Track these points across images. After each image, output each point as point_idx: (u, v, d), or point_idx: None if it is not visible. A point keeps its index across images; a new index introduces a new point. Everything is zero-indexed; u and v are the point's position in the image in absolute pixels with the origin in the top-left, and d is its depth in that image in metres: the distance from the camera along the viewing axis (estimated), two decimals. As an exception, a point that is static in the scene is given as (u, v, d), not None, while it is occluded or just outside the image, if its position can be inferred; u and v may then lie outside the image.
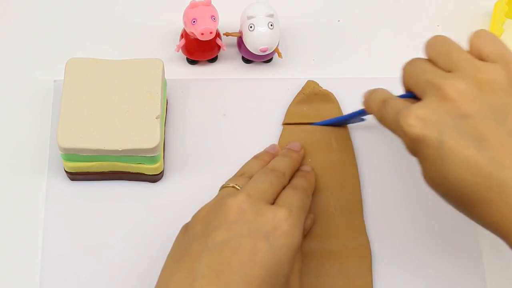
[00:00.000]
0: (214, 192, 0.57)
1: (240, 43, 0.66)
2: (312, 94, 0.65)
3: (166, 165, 0.63)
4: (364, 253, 0.60)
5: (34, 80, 0.66)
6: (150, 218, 0.61)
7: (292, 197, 0.55)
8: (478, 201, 0.48)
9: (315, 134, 0.64)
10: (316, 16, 0.71)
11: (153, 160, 0.60)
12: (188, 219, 0.55)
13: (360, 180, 0.63)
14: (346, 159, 0.63)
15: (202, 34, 0.63)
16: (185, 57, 0.67)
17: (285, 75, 0.68)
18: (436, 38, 0.54)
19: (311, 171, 0.61)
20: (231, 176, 0.59)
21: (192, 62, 0.68)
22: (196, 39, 0.64)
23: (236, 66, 0.68)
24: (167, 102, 0.65)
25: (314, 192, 0.61)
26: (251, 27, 0.64)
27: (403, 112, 0.50)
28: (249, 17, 0.64)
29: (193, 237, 0.52)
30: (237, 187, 0.56)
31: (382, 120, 0.54)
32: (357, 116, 0.62)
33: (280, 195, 0.55)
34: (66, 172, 0.61)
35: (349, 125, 0.65)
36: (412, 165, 0.64)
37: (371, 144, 0.64)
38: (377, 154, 0.64)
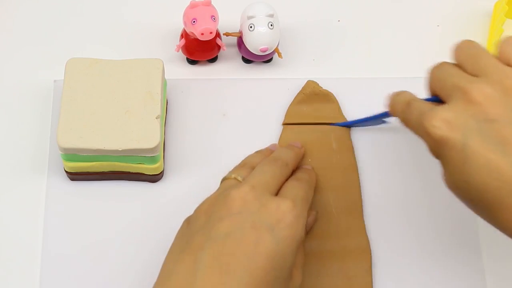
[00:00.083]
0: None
1: (240, 43, 0.66)
2: (312, 94, 0.65)
3: (166, 165, 0.63)
4: (364, 253, 0.60)
5: (34, 80, 0.66)
6: (150, 218, 0.61)
7: (296, 188, 0.55)
8: (498, 206, 0.47)
9: (315, 134, 0.64)
10: (316, 16, 0.71)
11: (153, 160, 0.60)
12: (188, 219, 0.55)
13: (360, 180, 0.63)
14: (346, 159, 0.63)
15: (202, 34, 0.63)
16: (185, 57, 0.67)
17: (285, 75, 0.68)
18: (464, 43, 0.53)
19: (312, 170, 0.61)
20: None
21: (192, 62, 0.68)
22: (196, 39, 0.64)
23: (236, 66, 0.68)
24: (167, 102, 0.65)
25: (314, 192, 0.61)
26: (251, 27, 0.64)
27: (428, 114, 0.50)
28: (249, 17, 0.64)
29: (196, 229, 0.52)
30: (239, 178, 0.55)
31: (405, 121, 0.53)
32: (380, 118, 0.61)
33: (284, 186, 0.55)
34: (66, 172, 0.61)
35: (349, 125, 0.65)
36: (412, 165, 0.64)
37: (371, 144, 0.64)
38: (377, 154, 0.64)
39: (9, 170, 0.63)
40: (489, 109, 0.48)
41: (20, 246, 0.60)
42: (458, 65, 0.53)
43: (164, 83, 0.63)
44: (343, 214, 0.61)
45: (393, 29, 0.71)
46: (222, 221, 0.51)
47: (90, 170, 0.61)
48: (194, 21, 0.63)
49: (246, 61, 0.68)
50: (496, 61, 0.51)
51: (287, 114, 0.65)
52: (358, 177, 0.63)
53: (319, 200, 0.61)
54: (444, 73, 0.52)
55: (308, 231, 0.60)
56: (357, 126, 0.65)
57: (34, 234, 0.60)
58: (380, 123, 0.63)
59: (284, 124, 0.65)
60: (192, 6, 0.63)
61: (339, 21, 0.71)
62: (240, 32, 0.66)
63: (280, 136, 0.64)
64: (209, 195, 0.55)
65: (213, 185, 0.57)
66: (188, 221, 0.54)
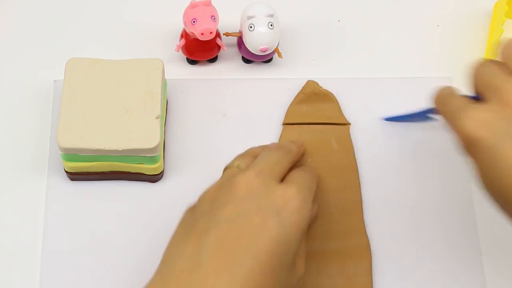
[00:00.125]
0: (214, 192, 0.57)
1: (240, 43, 0.66)
2: (312, 94, 0.65)
3: (166, 165, 0.63)
4: (364, 253, 0.60)
5: (34, 80, 0.66)
6: (150, 218, 0.61)
7: (301, 176, 0.55)
8: None
9: (315, 134, 0.64)
10: (316, 16, 0.71)
11: (153, 160, 0.60)
12: (188, 219, 0.55)
13: (360, 180, 0.63)
14: (346, 159, 0.63)
15: (202, 34, 0.63)
16: (185, 57, 0.67)
17: (285, 75, 0.68)
18: None
19: (313, 168, 0.61)
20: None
21: (192, 62, 0.68)
22: (196, 39, 0.64)
23: (236, 66, 0.68)
24: (167, 102, 0.65)
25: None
26: (251, 27, 0.64)
27: (464, 112, 0.49)
28: (249, 17, 0.64)
29: (200, 214, 0.51)
30: (242, 166, 0.55)
31: (444, 116, 0.53)
32: (425, 114, 0.60)
33: (289, 174, 0.55)
34: (66, 172, 0.61)
35: (349, 126, 0.65)
36: (412, 165, 0.64)
37: (371, 144, 0.64)
38: (377, 155, 0.64)
39: (9, 170, 0.63)
40: None
41: (20, 246, 0.60)
42: (503, 64, 0.52)
43: (164, 83, 0.63)
44: (343, 214, 0.61)
45: (393, 29, 0.71)
46: (226, 206, 0.51)
47: (90, 170, 0.61)
48: (194, 21, 0.63)
49: (246, 61, 0.68)
50: None
51: (287, 114, 0.65)
52: (358, 177, 0.63)
53: (319, 200, 0.61)
54: (486, 71, 0.52)
55: (310, 225, 0.59)
56: (403, 121, 0.64)
57: (34, 234, 0.60)
58: (425, 120, 0.62)
59: (284, 124, 0.65)
60: (192, 6, 0.63)
61: (339, 21, 0.71)
62: (240, 32, 0.66)
63: (280, 136, 0.64)
64: (211, 184, 0.55)
65: (213, 185, 0.57)
66: (192, 209, 0.53)
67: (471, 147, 0.49)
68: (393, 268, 0.60)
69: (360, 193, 0.62)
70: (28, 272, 0.59)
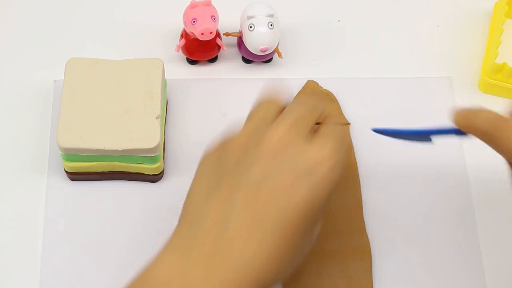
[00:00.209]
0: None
1: (240, 43, 0.66)
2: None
3: (166, 165, 0.63)
4: (364, 253, 0.60)
5: (34, 80, 0.66)
6: (150, 218, 0.61)
7: (334, 133, 0.51)
8: None
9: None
10: (316, 16, 0.71)
11: (153, 160, 0.60)
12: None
13: (360, 180, 0.63)
14: (346, 159, 0.63)
15: (202, 34, 0.63)
16: (185, 57, 0.67)
17: (285, 75, 0.68)
18: None
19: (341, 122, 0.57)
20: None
21: (192, 62, 0.68)
22: (196, 39, 0.64)
23: (236, 66, 0.68)
24: (167, 102, 0.65)
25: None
26: (251, 27, 0.64)
27: (506, 123, 0.48)
28: (249, 17, 0.64)
29: (226, 170, 0.49)
30: (267, 119, 0.51)
31: (476, 133, 0.50)
32: (423, 134, 0.55)
33: (321, 129, 0.51)
34: (66, 172, 0.61)
35: (349, 126, 0.65)
36: (412, 165, 0.64)
37: (371, 144, 0.64)
38: (377, 154, 0.64)
39: (9, 170, 0.63)
40: None
41: (20, 246, 0.60)
42: None
43: (164, 83, 0.63)
44: (343, 214, 0.61)
45: (393, 29, 0.71)
46: (255, 165, 0.48)
47: (90, 170, 0.61)
48: (194, 21, 0.63)
49: (246, 61, 0.68)
50: None
51: (287, 114, 0.65)
52: (358, 177, 0.63)
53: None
54: None
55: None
56: (392, 136, 0.58)
57: (34, 234, 0.60)
58: (419, 140, 0.56)
59: (284, 124, 0.65)
60: (192, 6, 0.63)
61: (339, 21, 0.71)
62: (240, 32, 0.66)
63: (280, 136, 0.64)
64: (239, 130, 0.51)
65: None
66: (218, 158, 0.50)
67: None
68: (393, 268, 0.60)
69: (360, 193, 0.62)
70: (28, 272, 0.59)
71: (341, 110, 0.65)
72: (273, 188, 0.47)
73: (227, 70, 0.68)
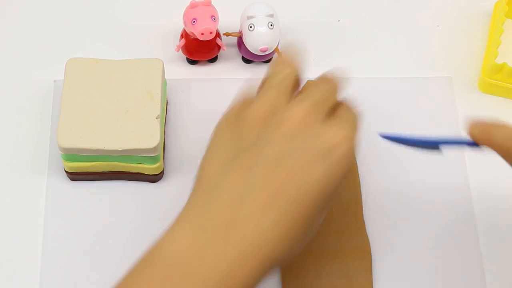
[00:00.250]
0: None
1: (240, 43, 0.66)
2: (312, 94, 0.65)
3: (166, 165, 0.63)
4: (364, 253, 0.60)
5: (34, 80, 0.66)
6: (150, 218, 0.61)
7: (351, 117, 0.52)
8: None
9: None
10: (316, 16, 0.71)
11: (153, 160, 0.60)
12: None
13: (360, 180, 0.63)
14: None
15: (202, 34, 0.63)
16: (185, 57, 0.67)
17: (285, 75, 0.67)
18: None
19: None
20: None
21: (192, 62, 0.68)
22: (196, 39, 0.64)
23: (236, 66, 0.68)
24: (167, 102, 0.65)
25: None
26: (251, 27, 0.64)
27: None
28: (249, 17, 0.64)
29: (246, 144, 0.49)
30: (282, 88, 0.52)
31: (494, 147, 0.49)
32: (433, 144, 0.54)
33: (338, 112, 0.52)
34: (66, 172, 0.61)
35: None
36: (412, 165, 0.64)
37: (371, 144, 0.64)
38: (377, 154, 0.64)
39: (9, 170, 0.63)
40: None
41: (20, 246, 0.60)
42: None
43: (164, 83, 0.63)
44: (343, 213, 0.61)
45: (393, 29, 0.71)
46: (275, 143, 0.48)
47: (90, 170, 0.61)
48: (194, 21, 0.63)
49: (246, 61, 0.68)
50: None
51: (287, 114, 0.65)
52: (358, 177, 0.63)
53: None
54: None
55: None
56: (399, 143, 0.57)
57: (34, 234, 0.60)
58: (427, 148, 0.55)
59: (284, 124, 0.65)
60: (192, 6, 0.63)
61: (339, 21, 0.71)
62: (240, 32, 0.66)
63: (280, 136, 0.64)
64: (254, 97, 0.52)
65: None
66: (235, 130, 0.51)
67: None
68: (393, 268, 0.60)
69: (360, 193, 0.62)
70: (28, 272, 0.59)
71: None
72: (291, 167, 0.47)
73: (227, 70, 0.68)
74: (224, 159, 0.49)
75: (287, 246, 0.47)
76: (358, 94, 0.66)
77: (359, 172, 0.63)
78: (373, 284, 0.59)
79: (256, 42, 0.64)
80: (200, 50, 0.66)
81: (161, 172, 0.62)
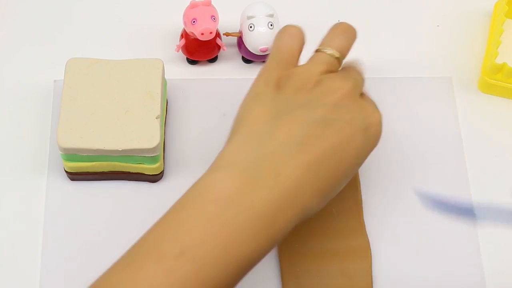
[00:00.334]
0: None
1: (240, 43, 0.66)
2: (312, 94, 0.65)
3: (166, 165, 0.63)
4: (364, 253, 0.60)
5: (34, 80, 0.66)
6: (150, 218, 0.61)
7: (375, 105, 0.57)
8: None
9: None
10: (316, 16, 0.71)
11: (153, 160, 0.60)
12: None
13: (360, 180, 0.63)
14: None
15: (202, 34, 0.63)
16: (185, 57, 0.67)
17: (285, 75, 0.67)
18: None
19: None
20: None
21: (192, 62, 0.68)
22: (196, 39, 0.64)
23: (236, 66, 0.68)
24: (167, 102, 0.65)
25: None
26: (251, 27, 0.64)
27: None
28: (249, 17, 0.64)
29: (296, 103, 0.52)
30: (336, 55, 0.56)
31: None
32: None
33: (366, 98, 0.56)
34: (66, 172, 0.61)
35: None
36: (412, 165, 0.64)
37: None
38: (377, 154, 0.64)
39: (9, 170, 0.63)
40: None
41: (20, 246, 0.60)
42: None
43: (164, 83, 0.63)
44: (343, 214, 0.61)
45: (393, 29, 0.71)
46: (325, 108, 0.52)
47: (90, 170, 0.61)
48: (194, 21, 0.63)
49: (246, 61, 0.68)
50: None
51: (287, 114, 0.65)
52: (358, 177, 0.63)
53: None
54: None
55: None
56: (438, 208, 0.53)
57: (34, 234, 0.60)
58: (466, 215, 0.52)
59: (284, 124, 0.65)
60: (192, 6, 0.63)
61: (339, 21, 0.71)
62: (240, 32, 0.66)
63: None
64: (303, 67, 0.55)
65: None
66: (283, 85, 0.54)
67: None
68: (393, 268, 0.60)
69: (360, 193, 0.62)
70: (28, 272, 0.59)
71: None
72: (337, 134, 0.51)
73: (227, 70, 0.68)
74: (270, 111, 0.52)
75: (317, 202, 0.51)
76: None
77: (359, 172, 0.63)
78: (373, 284, 0.59)
79: (256, 42, 0.64)
80: (200, 50, 0.66)
81: (161, 172, 0.62)
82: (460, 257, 0.60)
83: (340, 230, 0.61)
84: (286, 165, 0.50)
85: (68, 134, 0.58)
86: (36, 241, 0.60)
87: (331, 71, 0.55)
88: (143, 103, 0.60)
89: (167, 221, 0.50)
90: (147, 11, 0.71)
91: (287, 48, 0.56)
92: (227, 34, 0.66)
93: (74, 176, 0.62)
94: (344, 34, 0.57)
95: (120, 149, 0.58)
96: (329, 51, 0.56)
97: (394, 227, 0.61)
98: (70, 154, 0.59)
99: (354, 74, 0.56)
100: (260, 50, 0.64)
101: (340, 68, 0.57)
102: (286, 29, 0.58)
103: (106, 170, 0.61)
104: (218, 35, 0.65)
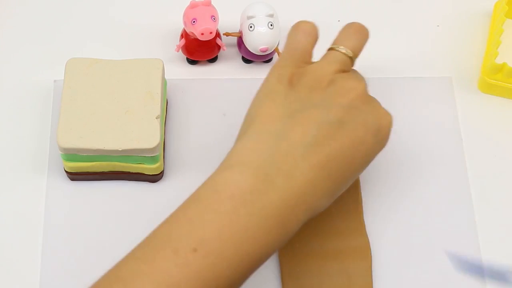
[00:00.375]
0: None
1: (240, 43, 0.66)
2: (312, 94, 0.65)
3: (166, 165, 0.63)
4: (364, 253, 0.60)
5: (34, 80, 0.66)
6: (150, 218, 0.61)
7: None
8: None
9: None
10: (316, 16, 0.71)
11: (153, 160, 0.60)
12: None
13: (360, 180, 0.63)
14: None
15: (202, 34, 0.63)
16: (185, 57, 0.67)
17: (285, 75, 0.67)
18: None
19: None
20: None
21: (192, 62, 0.68)
22: (196, 39, 0.64)
23: (236, 66, 0.68)
24: (167, 102, 0.65)
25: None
26: (251, 27, 0.64)
27: None
28: (249, 17, 0.64)
29: (310, 102, 0.52)
30: (349, 54, 0.56)
31: None
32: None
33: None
34: (66, 172, 0.61)
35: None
36: (412, 165, 0.64)
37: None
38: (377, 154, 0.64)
39: (9, 170, 0.63)
40: None
41: (20, 246, 0.60)
42: None
43: (164, 83, 0.63)
44: (343, 214, 0.61)
45: (393, 29, 0.71)
46: (338, 109, 0.52)
47: (90, 170, 0.61)
48: (194, 21, 0.63)
49: (246, 61, 0.68)
50: None
51: (287, 114, 0.65)
52: (358, 177, 0.63)
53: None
54: None
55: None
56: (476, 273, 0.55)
57: (34, 234, 0.60)
58: (502, 279, 0.52)
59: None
60: (192, 6, 0.63)
61: (339, 21, 0.71)
62: (240, 32, 0.66)
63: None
64: (317, 65, 0.55)
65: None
66: (295, 83, 0.54)
67: None
68: (393, 268, 0.60)
69: (360, 193, 0.62)
70: (28, 272, 0.59)
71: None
72: (349, 136, 0.52)
73: (227, 70, 0.68)
74: (283, 109, 0.53)
75: (326, 201, 0.52)
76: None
77: (359, 172, 0.63)
78: (373, 284, 0.59)
79: (256, 42, 0.64)
80: (200, 50, 0.66)
81: (161, 172, 0.62)
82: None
83: (340, 230, 0.61)
84: (298, 166, 0.50)
85: (68, 134, 0.58)
86: (36, 241, 0.60)
87: (344, 70, 0.55)
88: (143, 103, 0.60)
89: (180, 216, 0.50)
90: (147, 11, 0.71)
91: (300, 45, 0.56)
92: (227, 34, 0.66)
93: (74, 176, 0.62)
94: (357, 34, 0.58)
95: (120, 149, 0.58)
96: (343, 49, 0.56)
97: (394, 227, 0.61)
98: (70, 154, 0.59)
99: (360, 74, 0.57)
100: (260, 50, 0.64)
101: None
102: (299, 26, 0.58)
103: (106, 170, 0.61)
104: (218, 35, 0.65)
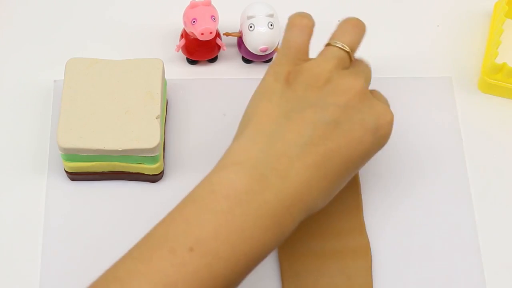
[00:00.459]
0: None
1: (240, 43, 0.66)
2: (312, 94, 0.65)
3: (166, 165, 0.63)
4: (364, 253, 0.60)
5: (34, 80, 0.66)
6: (150, 218, 0.61)
7: (385, 100, 0.57)
8: None
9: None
10: (316, 16, 0.71)
11: (153, 160, 0.60)
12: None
13: (360, 180, 0.63)
14: None
15: (202, 34, 0.63)
16: (185, 57, 0.67)
17: (285, 75, 0.67)
18: None
19: None
20: None
21: (192, 62, 0.68)
22: (196, 39, 0.64)
23: (236, 66, 0.68)
24: (167, 102, 0.65)
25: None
26: (251, 27, 0.64)
27: None
28: (249, 17, 0.64)
29: (306, 102, 0.52)
30: (346, 49, 0.56)
31: None
32: None
33: (376, 96, 0.57)
34: (66, 172, 0.61)
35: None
36: (412, 165, 0.64)
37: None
38: (377, 154, 0.64)
39: (9, 170, 0.63)
40: None
41: (20, 246, 0.60)
42: None
43: (164, 83, 0.63)
44: (343, 214, 0.61)
45: (393, 29, 0.71)
46: (335, 109, 0.52)
47: (90, 170, 0.61)
48: (194, 21, 0.63)
49: (246, 61, 0.68)
50: None
51: (287, 114, 0.65)
52: (358, 177, 0.63)
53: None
54: None
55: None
56: None
57: (34, 234, 0.60)
58: None
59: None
60: (192, 6, 0.63)
61: (339, 21, 0.71)
62: (240, 32, 0.66)
63: (280, 136, 0.64)
64: (313, 63, 0.54)
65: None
66: (292, 82, 0.54)
67: None
68: (393, 268, 0.60)
69: (360, 193, 0.62)
70: (28, 272, 0.59)
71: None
72: (346, 135, 0.52)
73: (227, 70, 0.68)
74: (280, 109, 0.52)
75: (322, 200, 0.52)
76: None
77: (359, 172, 0.63)
78: (373, 284, 0.59)
79: (256, 42, 0.64)
80: (200, 50, 0.66)
81: (161, 172, 0.62)
82: (460, 257, 0.60)
83: (340, 230, 0.61)
84: (294, 166, 0.50)
85: (68, 134, 0.58)
86: (36, 241, 0.60)
87: (342, 66, 0.55)
88: (143, 103, 0.60)
89: (177, 216, 0.50)
90: (147, 11, 0.71)
91: (296, 43, 0.56)
92: (227, 34, 0.66)
93: (74, 176, 0.62)
94: (354, 29, 0.57)
95: (120, 149, 0.58)
96: (340, 44, 0.56)
97: (394, 227, 0.61)
98: (70, 154, 0.59)
99: (363, 67, 0.56)
100: (260, 50, 0.64)
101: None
102: (294, 22, 0.57)
103: (106, 170, 0.61)
104: (218, 35, 0.65)
